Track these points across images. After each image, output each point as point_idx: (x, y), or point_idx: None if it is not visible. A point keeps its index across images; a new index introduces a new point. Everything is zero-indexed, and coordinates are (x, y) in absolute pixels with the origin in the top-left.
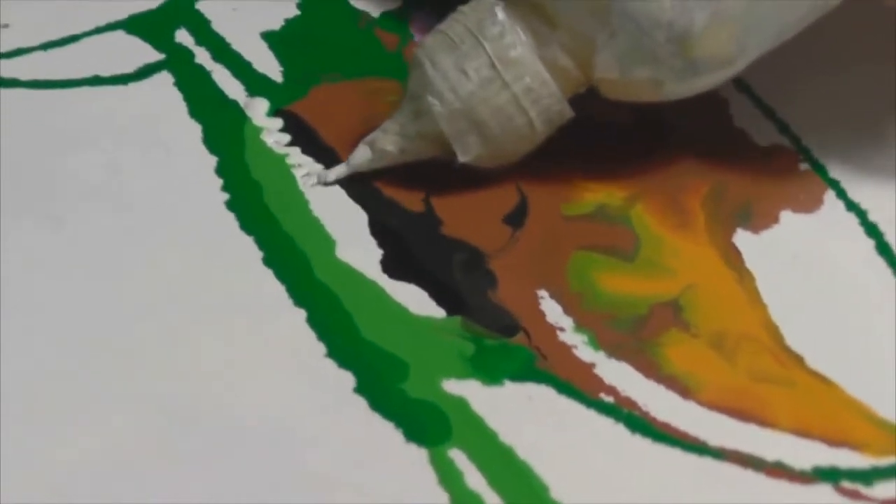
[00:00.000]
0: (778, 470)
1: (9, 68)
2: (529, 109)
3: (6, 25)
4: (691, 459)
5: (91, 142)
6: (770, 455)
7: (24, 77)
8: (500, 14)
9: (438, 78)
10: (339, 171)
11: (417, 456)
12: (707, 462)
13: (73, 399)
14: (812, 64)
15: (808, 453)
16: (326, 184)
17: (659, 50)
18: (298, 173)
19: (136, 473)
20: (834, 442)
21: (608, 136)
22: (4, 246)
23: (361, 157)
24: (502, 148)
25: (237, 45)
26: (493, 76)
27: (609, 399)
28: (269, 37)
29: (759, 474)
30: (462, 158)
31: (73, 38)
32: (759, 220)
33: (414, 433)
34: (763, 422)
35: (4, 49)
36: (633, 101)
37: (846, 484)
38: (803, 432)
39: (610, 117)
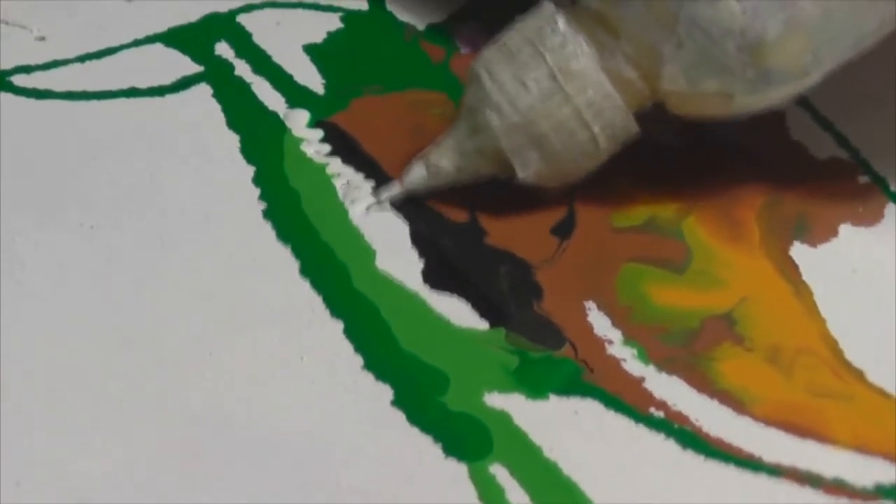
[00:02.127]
0: (837, 487)
1: (45, 80)
2: (592, 124)
3: (42, 38)
4: (746, 476)
5: (127, 151)
6: (829, 472)
7: (59, 89)
8: (562, 23)
9: (496, 90)
10: (393, 191)
11: (457, 471)
12: (763, 479)
13: (106, 409)
14: (871, 76)
15: (869, 470)
16: (379, 204)
17: (729, 60)
18: (338, 182)
19: (166, 486)
20: None
21: (660, 147)
22: (40, 253)
23: (416, 175)
24: (564, 165)
25: (278, 58)
26: (553, 88)
27: (659, 414)
28: (311, 50)
29: (817, 492)
30: (521, 175)
31: (111, 51)
32: (817, 233)
33: (454, 447)
34: (821, 437)
35: (41, 61)
36: (702, 115)
37: None
38: (864, 448)
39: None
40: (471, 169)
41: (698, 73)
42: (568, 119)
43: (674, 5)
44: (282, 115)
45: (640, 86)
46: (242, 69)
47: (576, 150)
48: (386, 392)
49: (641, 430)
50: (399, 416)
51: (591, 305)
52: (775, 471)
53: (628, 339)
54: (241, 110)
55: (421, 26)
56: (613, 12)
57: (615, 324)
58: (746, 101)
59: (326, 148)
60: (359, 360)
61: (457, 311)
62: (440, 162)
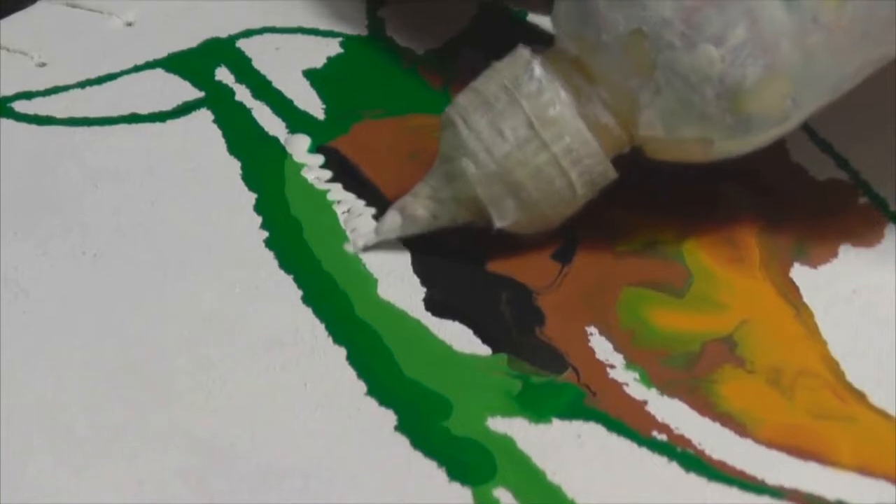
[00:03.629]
0: None
1: (46, 106)
2: (570, 171)
3: (43, 64)
4: (749, 499)
5: (128, 178)
6: (832, 494)
7: (60, 115)
8: (538, 70)
9: (472, 138)
10: (368, 238)
11: (461, 495)
12: (766, 501)
13: (109, 437)
14: (870, 98)
15: (871, 492)
16: (356, 250)
17: (708, 106)
18: (339, 209)
19: None
20: None
21: (659, 172)
22: (41, 279)
23: (391, 223)
24: (541, 212)
25: (278, 83)
26: (530, 136)
27: (662, 437)
28: (311, 75)
29: None
30: (499, 224)
31: (111, 77)
32: (817, 254)
33: (457, 472)
34: (824, 459)
35: (42, 87)
36: (680, 160)
37: None
38: (866, 470)
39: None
40: (447, 217)
41: (676, 119)
42: (545, 166)
43: (651, 52)
44: (282, 141)
45: (618, 132)
46: (243, 94)
47: (553, 198)
48: (389, 418)
49: (644, 454)
50: (403, 442)
51: (592, 330)
52: (778, 493)
53: (630, 363)
54: (241, 136)
55: (420, 51)
56: (590, 58)
57: (617, 348)
58: (726, 147)
59: (327, 174)
60: (362, 387)
61: (459, 338)
62: (416, 211)
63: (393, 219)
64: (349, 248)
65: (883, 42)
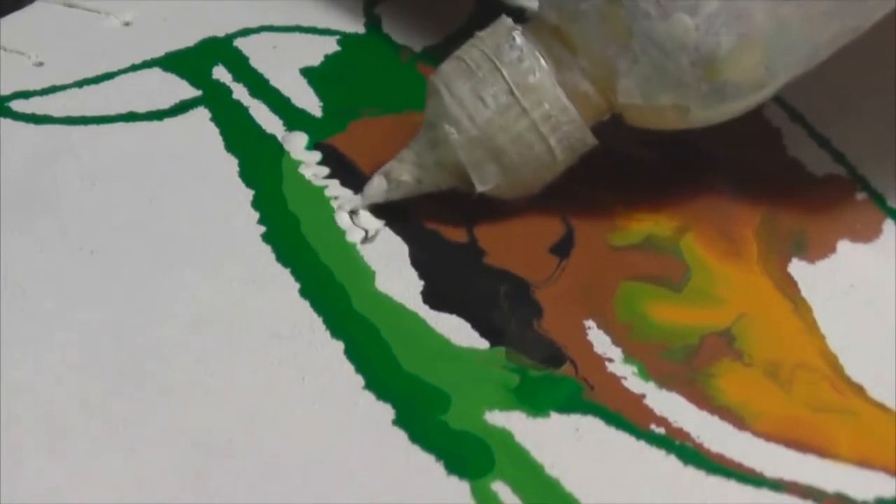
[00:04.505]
0: (839, 501)
1: (43, 105)
2: (549, 136)
3: (41, 63)
4: (748, 491)
5: (125, 176)
6: (830, 486)
7: (57, 114)
8: (519, 39)
9: (455, 105)
10: (354, 202)
11: (459, 489)
12: (764, 494)
13: (107, 433)
14: (868, 93)
15: (870, 484)
16: (342, 213)
17: (684, 74)
18: (336, 205)
19: None
20: None
21: (657, 166)
22: (39, 277)
23: (377, 188)
24: (522, 177)
25: (276, 82)
26: (511, 102)
27: (660, 430)
28: (308, 73)
29: None
30: (480, 188)
31: (109, 76)
32: (815, 249)
33: (455, 466)
34: (822, 452)
35: (39, 86)
36: (659, 128)
37: None
38: (865, 462)
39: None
40: (431, 181)
41: (653, 87)
42: (525, 132)
43: (628, 20)
44: (280, 138)
45: (597, 99)
46: (240, 93)
47: (534, 163)
48: (387, 412)
49: (642, 447)
50: (401, 436)
51: (590, 324)
52: (777, 486)
53: (628, 357)
54: (239, 134)
55: (417, 48)
56: (570, 27)
57: (615, 342)
58: (702, 115)
59: (325, 170)
60: (360, 381)
61: (457, 331)
62: (401, 175)
63: (379, 183)
64: (337, 218)
65: (855, 11)
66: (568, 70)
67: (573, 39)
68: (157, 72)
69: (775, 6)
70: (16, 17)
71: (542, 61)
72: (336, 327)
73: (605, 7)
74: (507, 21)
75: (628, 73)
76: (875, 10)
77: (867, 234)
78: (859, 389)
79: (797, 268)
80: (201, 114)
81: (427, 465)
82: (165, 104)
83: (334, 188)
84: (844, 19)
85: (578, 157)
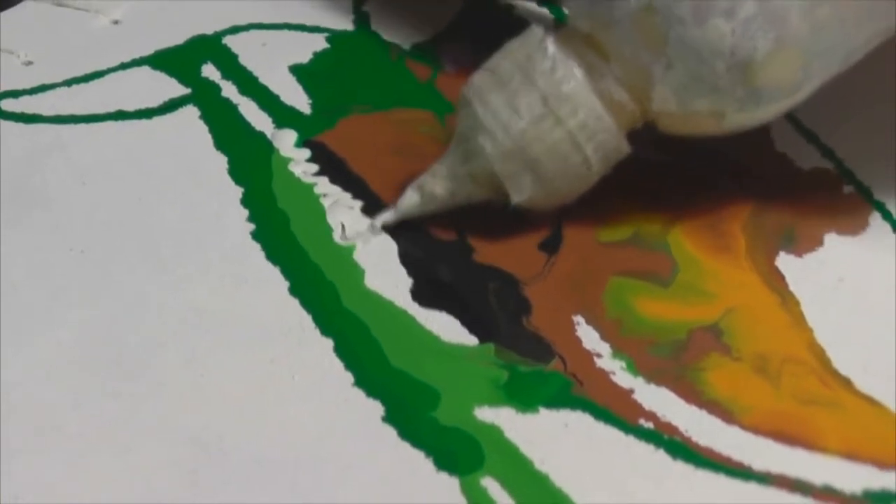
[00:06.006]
0: (827, 494)
1: (33, 104)
2: (585, 146)
3: (30, 62)
4: (736, 485)
5: (115, 174)
6: (818, 479)
7: (47, 113)
8: (551, 48)
9: (489, 116)
10: (387, 217)
11: (449, 485)
12: (752, 487)
13: (98, 431)
14: (855, 88)
15: (858, 476)
16: (375, 232)
17: (719, 79)
18: (326, 202)
19: None
20: (885, 465)
21: (644, 162)
22: (30, 278)
23: (410, 201)
24: (557, 188)
25: (265, 79)
26: (545, 112)
27: (649, 425)
28: (297, 70)
29: (807, 499)
30: (516, 200)
31: (97, 74)
32: (803, 243)
33: (445, 462)
34: (810, 445)
35: (28, 86)
36: (693, 133)
37: None
38: (852, 455)
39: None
40: (464, 194)
41: (689, 93)
42: (561, 142)
43: (662, 26)
44: (269, 136)
45: (632, 107)
46: (229, 90)
47: (569, 173)
48: (377, 408)
49: (631, 441)
50: (390, 432)
51: (579, 319)
52: (765, 479)
53: (616, 352)
54: (228, 131)
55: (406, 46)
56: (602, 35)
57: (603, 337)
58: (738, 119)
59: (314, 167)
60: (349, 378)
61: (446, 328)
62: (434, 188)
63: (411, 196)
64: (363, 230)
65: (891, 13)
66: (601, 78)
67: (606, 47)
68: (146, 70)
69: (811, 8)
70: (4, 17)
71: (576, 70)
72: (325, 325)
73: (638, 14)
74: (538, 30)
75: (663, 79)
76: None
77: (854, 227)
78: (847, 382)
79: (785, 261)
80: (190, 112)
81: (417, 462)
82: (155, 102)
83: (324, 185)
84: (879, 20)
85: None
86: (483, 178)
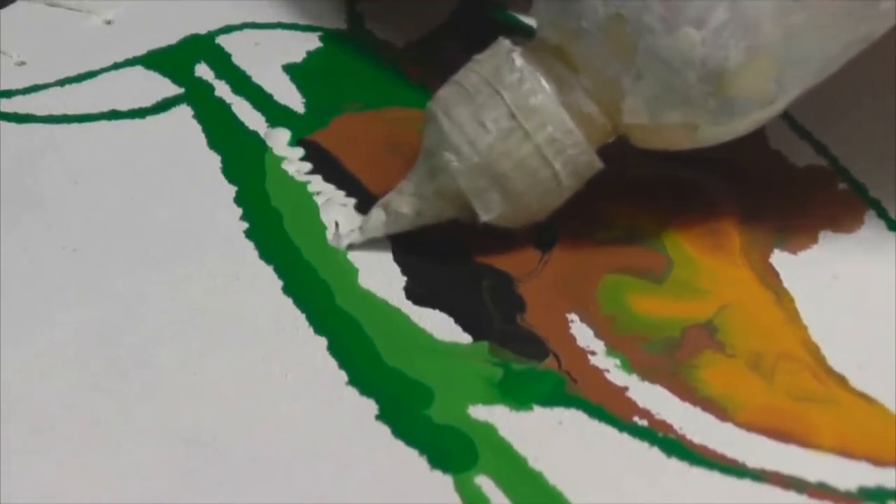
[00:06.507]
0: (822, 491)
1: (26, 104)
2: (553, 161)
3: (22, 63)
4: (730, 482)
5: (108, 174)
6: (813, 476)
7: (40, 113)
8: (518, 60)
9: (455, 131)
10: (353, 237)
11: (442, 483)
12: (747, 485)
13: (92, 429)
14: (848, 84)
15: (852, 473)
16: (340, 247)
17: (691, 90)
18: (320, 200)
19: None
20: (879, 462)
21: (639, 159)
22: (25, 275)
23: (375, 221)
24: (527, 204)
25: (258, 78)
26: (513, 126)
27: (643, 422)
28: (290, 69)
29: (801, 496)
30: (484, 218)
31: (90, 74)
32: (797, 240)
33: (438, 460)
34: (805, 442)
35: (21, 86)
36: (667, 147)
37: None
38: (847, 452)
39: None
40: (432, 213)
41: (660, 105)
42: (529, 157)
43: (632, 36)
44: (262, 135)
45: (602, 120)
46: (222, 90)
47: (538, 189)
48: (370, 407)
49: (625, 439)
50: (384, 431)
51: (573, 317)
52: (759, 476)
53: (611, 350)
54: (221, 131)
55: (400, 45)
56: (571, 46)
57: (597, 335)
58: (711, 132)
59: (307, 166)
60: (343, 377)
61: (440, 326)
62: (400, 208)
63: (377, 216)
64: (332, 243)
65: (867, 19)
66: (571, 91)
67: (575, 58)
68: (139, 70)
69: (785, 16)
70: None
71: (544, 82)
72: (319, 324)
73: (607, 23)
74: (505, 42)
75: (633, 91)
76: (886, 16)
77: (849, 224)
78: (841, 379)
79: (779, 259)
80: (184, 111)
81: (410, 460)
82: (148, 102)
83: (317, 184)
84: (856, 27)
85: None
86: (450, 195)
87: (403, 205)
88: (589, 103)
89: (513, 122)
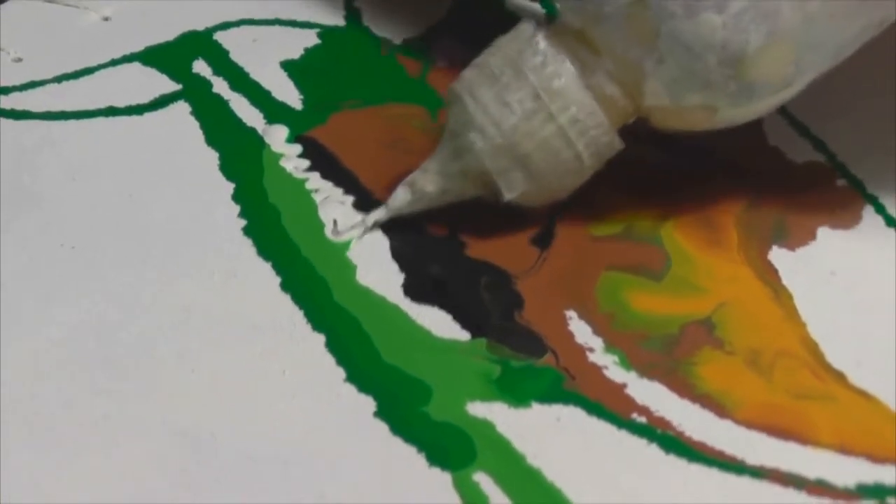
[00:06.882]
0: (820, 488)
1: (23, 101)
2: (576, 141)
3: (20, 59)
4: (729, 479)
5: (106, 170)
6: (811, 473)
7: (37, 109)
8: (542, 43)
9: (479, 112)
10: (379, 215)
11: (441, 480)
12: (745, 481)
13: (90, 425)
14: (847, 80)
15: (851, 470)
16: (365, 230)
17: (711, 74)
18: (318, 197)
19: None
20: (878, 458)
21: (637, 156)
22: (23, 272)
23: (401, 198)
24: (549, 184)
25: (256, 75)
26: (536, 108)
27: (641, 419)
28: (288, 66)
29: (800, 493)
30: (507, 196)
31: (88, 71)
32: (796, 236)
33: (437, 457)
34: (803, 439)
35: (18, 82)
36: (686, 129)
37: (893, 501)
38: (846, 449)
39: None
40: (455, 191)
41: (680, 87)
42: (552, 137)
43: (654, 20)
44: (260, 131)
45: (624, 102)
46: (220, 86)
47: (561, 169)
48: (368, 404)
49: (624, 436)
50: (382, 428)
51: (571, 314)
52: (758, 473)
53: (609, 347)
54: (219, 127)
55: (397, 41)
56: (594, 29)
57: (596, 331)
58: (730, 114)
59: (305, 163)
60: (341, 374)
61: (438, 323)
62: (425, 186)
63: (403, 194)
64: (356, 229)
65: (882, 4)
66: (593, 73)
67: (598, 42)
68: (136, 66)
69: (803, 1)
70: None
71: (567, 65)
72: (317, 320)
73: (629, 8)
74: (528, 26)
75: (655, 74)
76: None
77: (847, 220)
78: (840, 376)
79: (778, 255)
80: (181, 108)
81: (409, 457)
82: (145, 98)
83: (315, 180)
84: (871, 13)
85: (605, 163)
86: (474, 174)
87: (428, 183)
88: (611, 85)
89: (537, 103)
